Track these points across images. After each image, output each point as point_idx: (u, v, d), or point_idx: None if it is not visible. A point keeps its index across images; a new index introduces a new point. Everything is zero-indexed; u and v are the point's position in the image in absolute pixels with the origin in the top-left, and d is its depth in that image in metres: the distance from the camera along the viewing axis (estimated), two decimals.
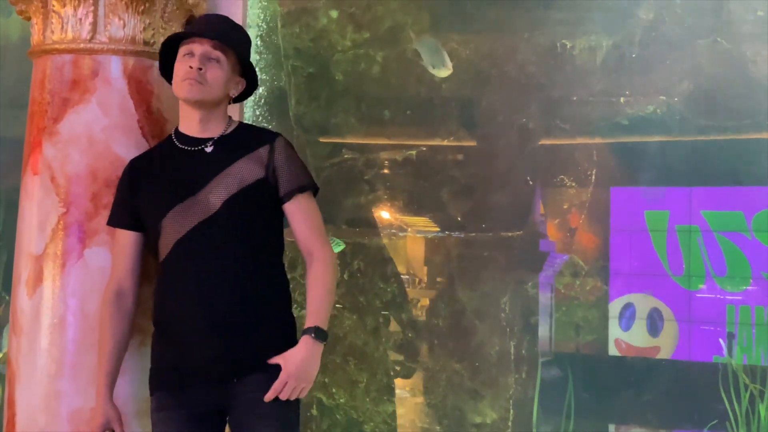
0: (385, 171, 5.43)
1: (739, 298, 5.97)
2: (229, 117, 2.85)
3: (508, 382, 5.05)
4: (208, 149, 2.78)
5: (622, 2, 5.06)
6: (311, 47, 5.08)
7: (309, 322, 2.70)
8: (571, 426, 4.92)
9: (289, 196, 2.78)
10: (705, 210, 5.90)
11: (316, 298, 2.76)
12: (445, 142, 5.24)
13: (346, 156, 5.36)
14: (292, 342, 2.77)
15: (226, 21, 2.85)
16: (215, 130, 2.80)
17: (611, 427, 5.49)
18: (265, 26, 4.65)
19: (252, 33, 4.58)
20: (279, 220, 2.83)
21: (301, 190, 2.78)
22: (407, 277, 6.04)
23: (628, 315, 5.80)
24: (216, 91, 2.76)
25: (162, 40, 2.94)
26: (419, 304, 6.08)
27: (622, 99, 5.14)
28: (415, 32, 5.21)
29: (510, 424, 5.02)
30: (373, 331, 5.19)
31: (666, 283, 5.93)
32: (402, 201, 5.58)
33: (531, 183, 5.20)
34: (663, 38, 4.98)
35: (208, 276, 2.72)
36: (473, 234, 5.19)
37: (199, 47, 2.73)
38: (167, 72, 2.83)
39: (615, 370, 5.57)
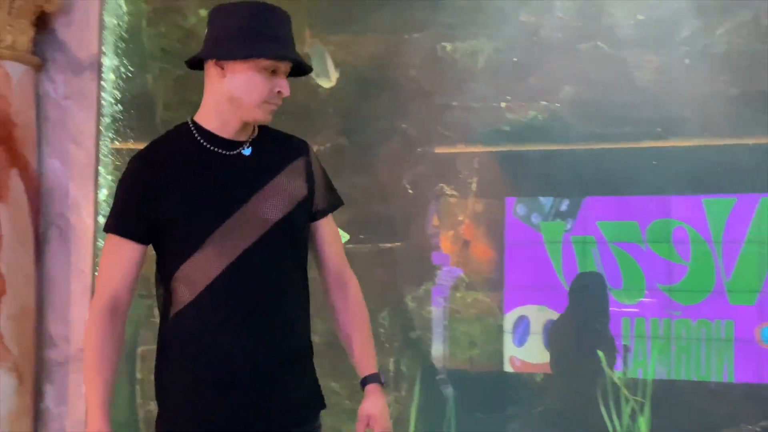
0: None
1: (635, 310, 5.93)
2: None
3: (388, 400, 4.88)
4: (246, 151, 2.48)
5: (503, 5, 4.98)
6: (180, 48, 4.85)
7: (370, 368, 2.58)
8: None
9: (324, 213, 2.58)
10: (600, 220, 5.87)
11: (364, 341, 2.60)
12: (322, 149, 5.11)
13: None
14: (318, 388, 2.64)
15: (290, 23, 2.51)
16: (247, 134, 2.51)
17: None
18: (124, 26, 4.39)
19: (109, 35, 4.33)
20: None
21: (333, 208, 2.61)
22: None
23: (521, 329, 5.73)
24: None
25: (9, 37, 2.61)
26: None
27: (503, 104, 5.05)
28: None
29: None
30: None
31: (562, 296, 5.88)
32: None
33: (411, 192, 5.08)
34: (544, 43, 4.91)
35: (267, 310, 2.45)
36: (351, 246, 5.02)
37: (284, 66, 2.44)
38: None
39: (507, 386, 5.45)
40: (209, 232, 2.39)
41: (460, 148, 5.17)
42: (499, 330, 5.43)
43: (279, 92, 2.42)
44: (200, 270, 2.40)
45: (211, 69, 2.43)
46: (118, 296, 2.45)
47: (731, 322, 5.55)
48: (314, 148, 2.63)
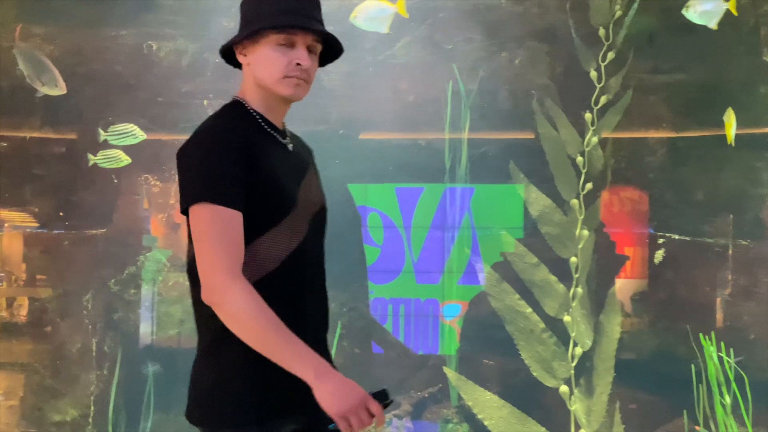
0: None
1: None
2: None
3: (90, 379, 5.09)
4: (290, 147, 2.45)
5: (206, 8, 5.27)
6: None
7: None
8: (150, 420, 5.06)
9: None
10: None
11: None
12: (28, 137, 5.19)
13: None
14: None
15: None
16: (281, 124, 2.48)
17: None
18: None
19: None
20: None
21: None
22: (2, 274, 5.80)
23: None
24: (311, 84, 2.42)
25: None
26: (15, 303, 5.86)
27: (205, 102, 5.35)
28: None
29: (90, 420, 5.06)
30: None
31: None
32: None
33: (116, 181, 5.27)
34: None
35: (321, 287, 2.47)
36: (57, 232, 5.17)
37: (302, 39, 2.34)
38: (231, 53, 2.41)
39: None
40: (289, 210, 2.33)
41: (165, 137, 5.42)
42: None
43: (298, 64, 2.33)
44: (281, 244, 2.32)
45: (240, 60, 2.41)
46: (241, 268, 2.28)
47: (419, 299, 6.22)
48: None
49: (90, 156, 4.96)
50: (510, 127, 5.62)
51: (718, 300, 5.60)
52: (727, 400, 4.76)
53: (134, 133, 4.99)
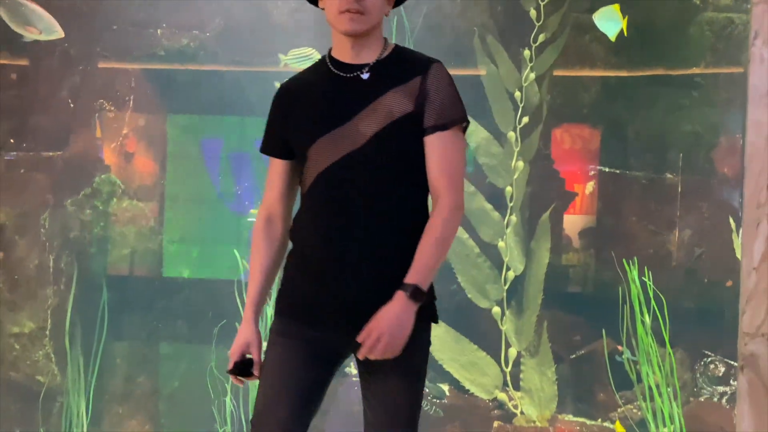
0: None
1: None
2: (385, 39, 2.66)
3: (47, 294, 5.32)
4: (364, 76, 2.59)
5: None
6: None
7: (408, 278, 2.48)
8: (105, 332, 5.30)
9: (432, 130, 2.57)
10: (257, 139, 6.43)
11: (421, 251, 2.51)
12: None
13: None
14: (431, 302, 2.61)
15: None
16: (371, 55, 2.61)
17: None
18: None
19: None
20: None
21: (443, 127, 2.57)
22: None
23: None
24: (375, 17, 2.57)
25: None
26: None
27: (159, 31, 5.50)
28: None
29: (48, 333, 5.31)
30: None
31: (219, 209, 6.30)
32: None
33: (72, 105, 5.44)
34: None
35: (348, 213, 2.54)
36: (15, 153, 5.34)
37: None
38: None
39: (164, 291, 5.86)
40: (311, 143, 2.55)
41: (118, 65, 5.57)
42: (156, 234, 5.91)
43: None
44: (308, 177, 2.58)
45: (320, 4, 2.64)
46: (271, 208, 2.69)
47: None
48: None
49: (281, 56, 5.16)
50: (452, 63, 5.84)
51: (644, 229, 5.92)
52: (647, 319, 5.06)
53: (312, 56, 5.20)
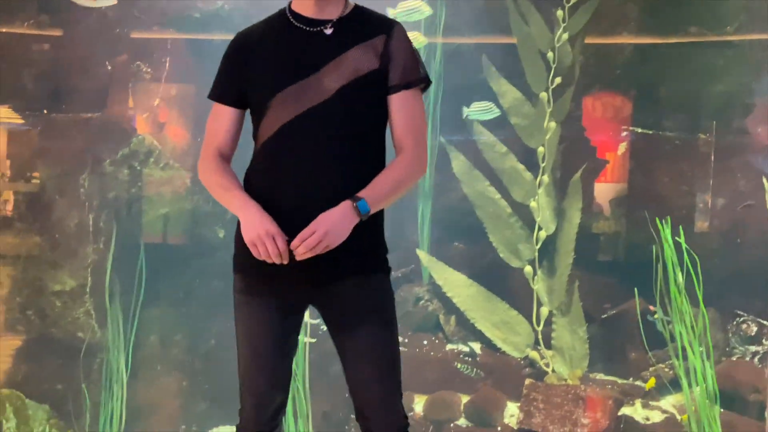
0: None
1: None
2: None
3: (87, 252, 5.42)
4: (328, 31, 2.63)
5: None
6: None
7: (359, 193, 2.55)
8: (143, 290, 5.39)
9: (396, 89, 2.64)
10: None
11: (380, 179, 2.60)
12: (25, 27, 5.40)
13: None
14: (383, 254, 2.68)
15: None
16: (333, 11, 2.65)
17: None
18: None
19: None
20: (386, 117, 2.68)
21: (407, 85, 2.65)
22: None
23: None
24: None
25: None
26: (1, 198, 6.00)
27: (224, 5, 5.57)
28: None
29: (88, 290, 5.42)
30: None
31: None
32: None
33: (110, 68, 5.52)
34: None
35: (311, 165, 2.56)
36: (55, 114, 5.43)
37: None
38: None
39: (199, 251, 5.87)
40: (272, 95, 2.58)
41: (154, 32, 5.63)
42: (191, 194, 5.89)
43: None
44: (266, 128, 2.60)
45: None
46: (221, 149, 2.69)
47: None
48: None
49: (389, 9, 5.23)
50: (484, 25, 5.85)
51: (676, 190, 5.91)
52: (681, 279, 5.06)
53: (492, 109, 5.54)
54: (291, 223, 2.55)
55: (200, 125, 6.08)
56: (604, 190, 6.12)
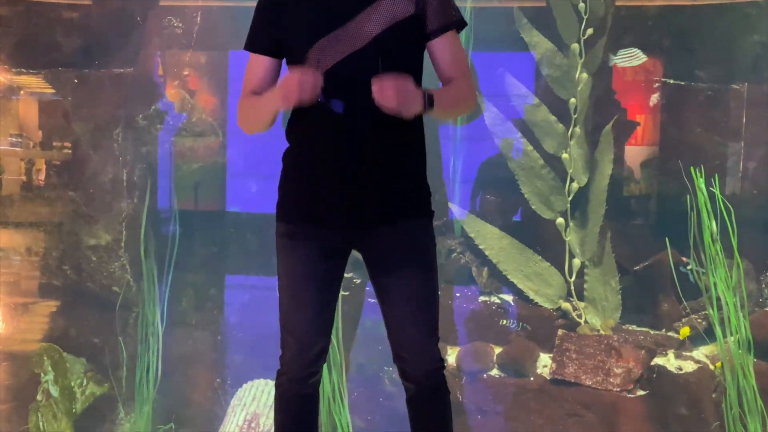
0: None
1: None
2: None
3: (121, 207, 5.45)
4: None
5: None
6: None
7: (425, 89, 2.59)
8: (176, 246, 5.43)
9: (437, 33, 2.68)
10: None
11: (443, 89, 2.65)
12: None
13: None
14: (427, 198, 2.70)
15: None
16: None
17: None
18: None
19: None
20: (422, 63, 2.71)
21: (445, 28, 2.68)
22: (19, 140, 5.93)
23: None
24: None
25: None
26: (35, 167, 5.99)
27: None
28: None
29: (123, 244, 5.46)
30: None
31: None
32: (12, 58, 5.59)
33: (141, 22, 5.50)
34: None
35: (355, 111, 2.58)
36: (86, 71, 5.44)
37: None
38: None
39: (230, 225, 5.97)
40: (311, 44, 2.60)
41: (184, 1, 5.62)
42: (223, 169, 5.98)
43: None
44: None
45: None
46: (256, 93, 2.72)
47: None
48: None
49: (611, 56, 5.38)
50: None
51: (710, 140, 5.88)
52: (715, 228, 5.03)
53: (639, 55, 5.50)
54: (335, 173, 2.59)
55: (232, 92, 6.17)
56: (634, 153, 6.09)
